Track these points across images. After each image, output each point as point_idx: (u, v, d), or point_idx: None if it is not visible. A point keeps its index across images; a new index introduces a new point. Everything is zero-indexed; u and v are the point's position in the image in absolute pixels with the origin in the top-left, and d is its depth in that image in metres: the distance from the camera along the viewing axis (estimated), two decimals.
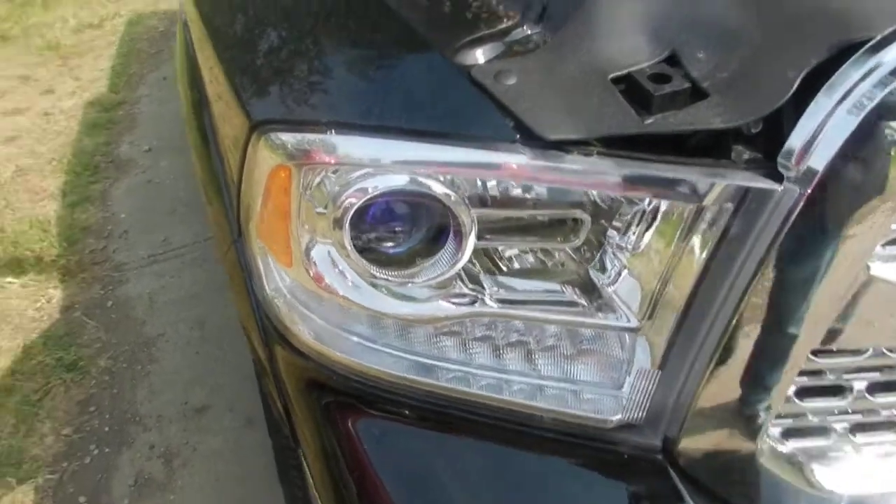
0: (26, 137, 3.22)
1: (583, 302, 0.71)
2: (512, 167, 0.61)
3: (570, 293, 0.72)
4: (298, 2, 0.86)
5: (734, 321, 0.64)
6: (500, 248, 0.76)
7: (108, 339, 2.11)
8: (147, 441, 1.80)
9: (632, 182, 0.60)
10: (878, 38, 0.56)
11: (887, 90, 0.54)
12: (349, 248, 0.69)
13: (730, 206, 0.60)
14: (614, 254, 0.69)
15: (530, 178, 0.62)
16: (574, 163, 0.60)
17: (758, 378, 0.68)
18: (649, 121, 0.59)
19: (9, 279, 2.33)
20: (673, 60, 0.62)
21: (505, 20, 0.70)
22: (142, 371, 2.01)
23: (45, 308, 2.21)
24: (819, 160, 0.56)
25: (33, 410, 1.86)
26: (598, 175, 0.60)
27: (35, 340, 2.09)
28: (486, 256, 0.77)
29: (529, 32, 0.70)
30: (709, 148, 0.60)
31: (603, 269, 0.70)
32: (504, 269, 0.76)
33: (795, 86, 0.56)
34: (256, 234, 0.81)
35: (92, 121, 3.33)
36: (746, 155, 0.60)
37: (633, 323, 0.69)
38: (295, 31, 0.81)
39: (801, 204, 0.58)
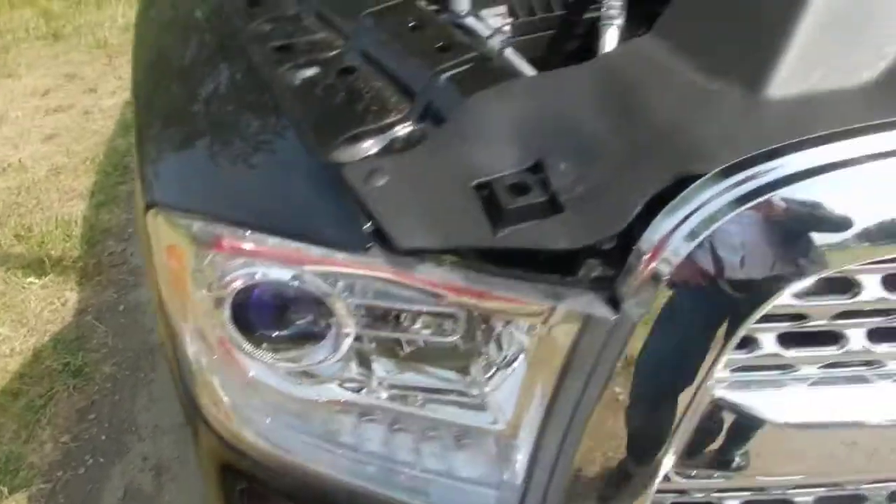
0: (65, 136, 3.33)
1: (467, 397, 0.68)
2: (368, 271, 0.60)
3: (458, 385, 0.69)
4: (204, 84, 0.86)
5: (586, 436, 0.63)
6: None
7: (115, 344, 2.16)
8: (140, 452, 1.84)
9: (478, 296, 0.58)
10: (714, 171, 0.53)
11: (719, 224, 0.53)
12: (229, 326, 0.70)
13: (575, 325, 0.58)
14: (495, 352, 0.66)
15: (387, 282, 0.60)
16: (425, 272, 0.58)
17: (619, 494, 0.66)
18: (502, 234, 0.56)
19: (30, 279, 2.42)
20: (539, 168, 0.58)
21: (393, 114, 0.68)
22: (144, 379, 2.06)
23: (59, 311, 2.29)
24: (654, 286, 0.55)
25: (36, 417, 1.92)
26: (447, 285, 0.58)
27: (46, 343, 2.16)
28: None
29: (413, 128, 0.67)
30: (564, 260, 0.57)
31: (486, 366, 0.67)
32: (398, 353, 0.73)
33: (636, 211, 0.54)
34: (167, 298, 0.81)
35: (128, 121, 3.41)
36: (597, 271, 0.57)
37: (501, 426, 0.67)
38: (196, 116, 0.81)
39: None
